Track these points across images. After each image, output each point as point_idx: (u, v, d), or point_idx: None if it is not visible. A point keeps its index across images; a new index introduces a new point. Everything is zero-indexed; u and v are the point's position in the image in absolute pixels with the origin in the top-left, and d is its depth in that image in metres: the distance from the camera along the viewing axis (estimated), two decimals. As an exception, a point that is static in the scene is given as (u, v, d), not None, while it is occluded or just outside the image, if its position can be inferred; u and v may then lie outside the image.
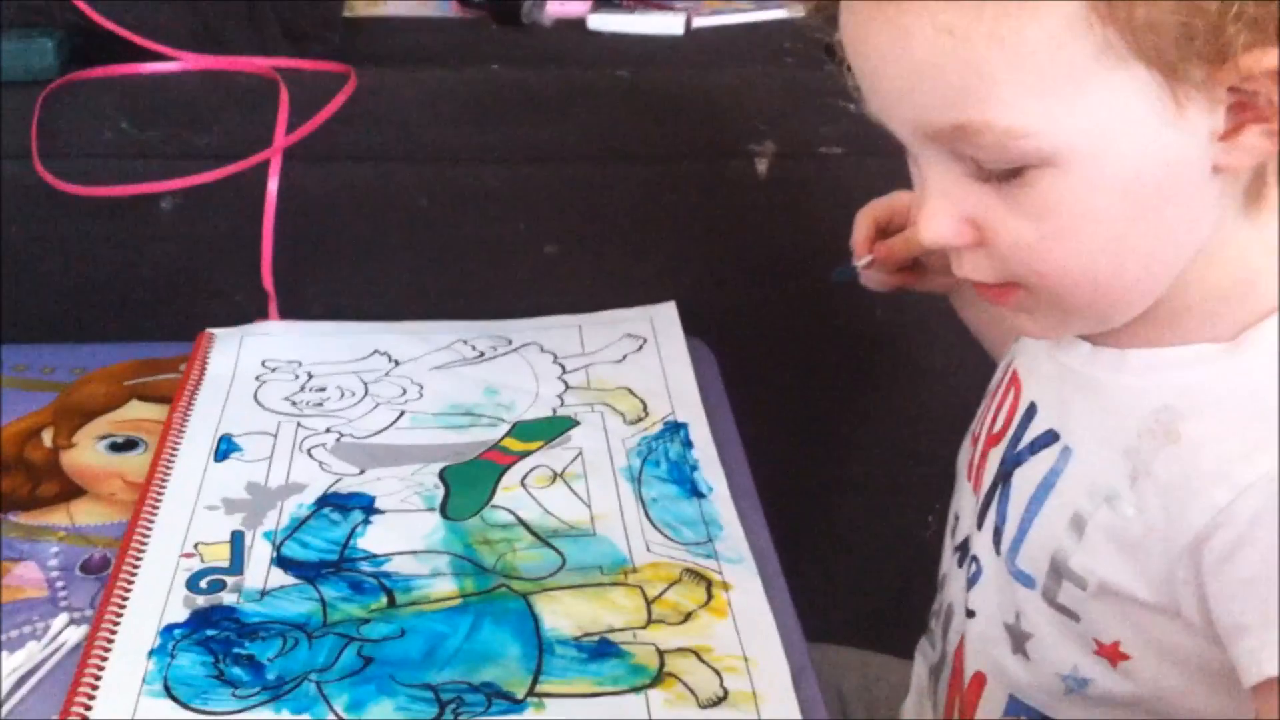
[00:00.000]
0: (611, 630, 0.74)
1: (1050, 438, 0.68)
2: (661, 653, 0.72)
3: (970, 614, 0.74)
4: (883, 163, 1.11)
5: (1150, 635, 0.64)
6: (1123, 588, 0.63)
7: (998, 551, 0.71)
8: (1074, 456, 0.67)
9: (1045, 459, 0.68)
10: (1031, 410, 0.71)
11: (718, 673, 0.71)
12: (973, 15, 0.54)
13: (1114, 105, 0.55)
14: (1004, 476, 0.71)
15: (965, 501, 0.77)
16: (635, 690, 0.69)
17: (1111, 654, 0.65)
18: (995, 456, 0.73)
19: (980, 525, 0.73)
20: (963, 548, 0.76)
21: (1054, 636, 0.68)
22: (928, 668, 0.83)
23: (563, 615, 0.75)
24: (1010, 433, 0.72)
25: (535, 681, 0.70)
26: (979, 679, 0.73)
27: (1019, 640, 0.70)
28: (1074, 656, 0.67)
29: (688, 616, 0.75)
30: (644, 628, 0.74)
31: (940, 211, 0.61)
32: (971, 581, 0.74)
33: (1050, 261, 0.60)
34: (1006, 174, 0.58)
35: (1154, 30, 0.53)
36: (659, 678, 0.70)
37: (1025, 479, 0.69)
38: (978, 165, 0.59)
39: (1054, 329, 0.66)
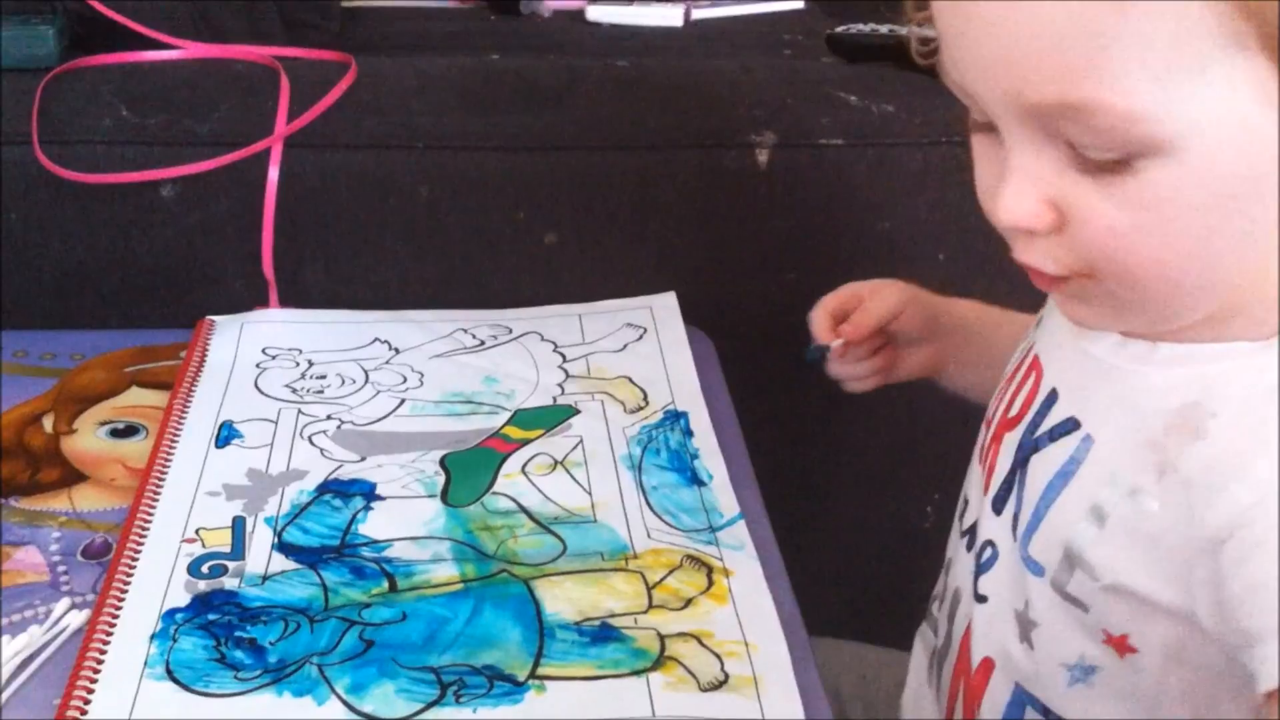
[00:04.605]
0: (612, 615, 0.74)
1: (1071, 425, 0.67)
2: (662, 637, 0.72)
3: (981, 599, 0.73)
4: (882, 153, 1.13)
5: (1159, 635, 0.63)
6: (1137, 587, 0.62)
7: (1014, 538, 0.70)
8: (1094, 445, 0.65)
9: (1065, 446, 0.67)
10: (1053, 396, 0.69)
11: (719, 657, 0.71)
12: None
13: (1233, 95, 0.53)
14: (1021, 463, 0.70)
15: (974, 484, 0.76)
16: (636, 673, 0.70)
17: (1120, 645, 0.65)
18: (1011, 441, 0.71)
19: (999, 511, 0.71)
20: (971, 531, 0.75)
21: (1060, 625, 0.67)
22: (929, 654, 0.82)
23: (563, 600, 0.75)
24: (1028, 418, 0.70)
25: (536, 664, 0.70)
26: (987, 665, 0.72)
27: (1025, 629, 0.69)
28: (1081, 645, 0.66)
29: (688, 602, 0.75)
30: (645, 613, 0.74)
31: (1023, 192, 0.58)
32: (984, 567, 0.72)
33: (1140, 254, 0.57)
34: (1110, 162, 0.55)
35: None
36: (660, 661, 0.71)
37: (1043, 466, 0.68)
38: (1074, 150, 0.56)
39: (1106, 321, 0.64)
